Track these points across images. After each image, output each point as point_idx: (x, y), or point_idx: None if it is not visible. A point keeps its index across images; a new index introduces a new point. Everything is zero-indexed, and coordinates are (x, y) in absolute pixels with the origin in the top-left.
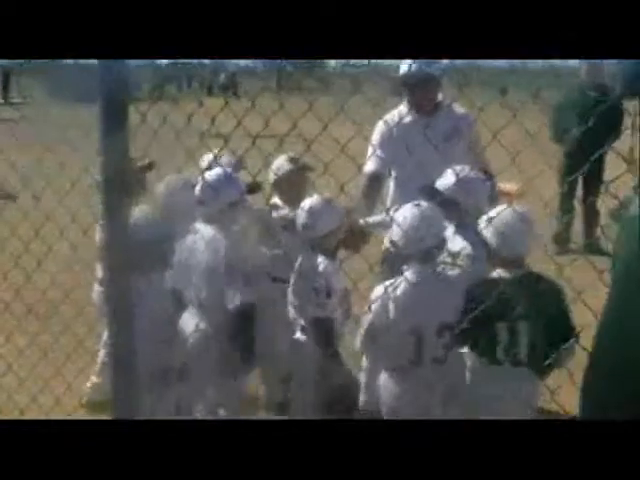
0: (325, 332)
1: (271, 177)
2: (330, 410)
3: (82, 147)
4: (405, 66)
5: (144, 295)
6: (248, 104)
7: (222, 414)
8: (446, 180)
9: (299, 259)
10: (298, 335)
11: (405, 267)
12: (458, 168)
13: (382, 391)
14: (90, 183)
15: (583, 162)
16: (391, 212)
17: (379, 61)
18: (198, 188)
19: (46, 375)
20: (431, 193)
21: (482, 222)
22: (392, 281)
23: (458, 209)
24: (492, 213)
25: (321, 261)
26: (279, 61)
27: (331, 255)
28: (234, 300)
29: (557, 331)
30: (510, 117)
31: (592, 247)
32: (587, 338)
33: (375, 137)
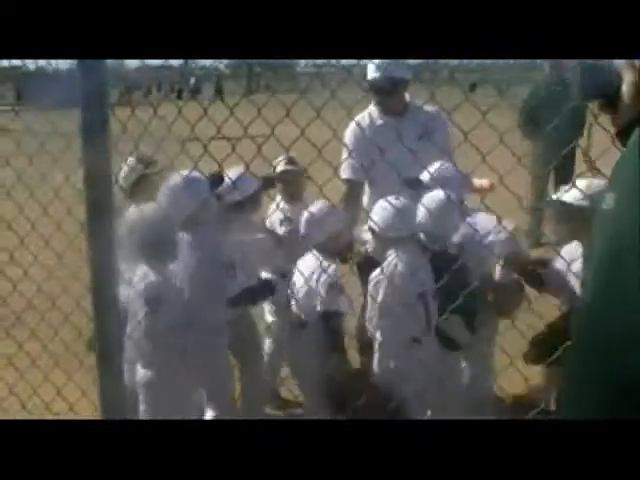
0: (336, 326)
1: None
2: (340, 407)
3: (62, 156)
4: (373, 71)
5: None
6: (220, 107)
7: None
8: (429, 173)
9: (305, 259)
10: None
11: (391, 251)
12: (439, 163)
13: (400, 363)
14: (74, 191)
15: (552, 157)
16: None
17: (350, 62)
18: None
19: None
20: (415, 184)
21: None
22: (387, 262)
23: None
24: (424, 199)
25: (327, 261)
26: (247, 63)
27: (332, 255)
28: None
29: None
30: (479, 116)
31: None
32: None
33: (348, 141)
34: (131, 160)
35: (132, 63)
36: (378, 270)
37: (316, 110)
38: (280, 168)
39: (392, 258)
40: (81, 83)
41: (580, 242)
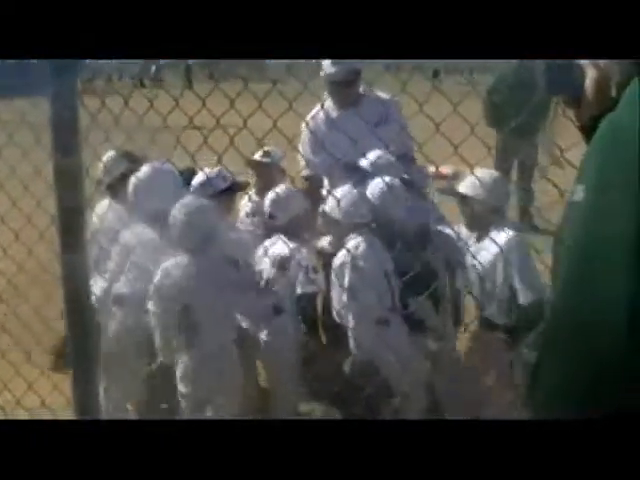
0: (312, 307)
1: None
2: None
3: (32, 149)
4: (329, 65)
5: None
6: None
7: None
8: (366, 160)
9: (270, 244)
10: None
11: (353, 235)
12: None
13: (374, 345)
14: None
15: (516, 148)
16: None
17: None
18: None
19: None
20: (353, 169)
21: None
22: (349, 245)
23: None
24: (369, 188)
25: (297, 243)
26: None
27: (299, 238)
28: None
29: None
30: (445, 103)
31: (527, 228)
32: None
33: (305, 138)
34: (113, 155)
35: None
36: (341, 253)
37: (288, 101)
38: (252, 158)
39: (354, 242)
40: (50, 74)
41: (473, 230)
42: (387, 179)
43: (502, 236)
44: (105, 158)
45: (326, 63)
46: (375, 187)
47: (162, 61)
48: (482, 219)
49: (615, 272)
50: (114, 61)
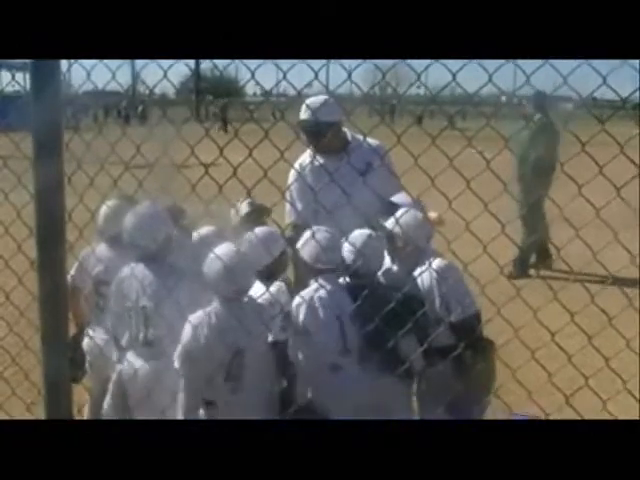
0: (284, 354)
1: (233, 219)
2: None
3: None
4: (303, 112)
5: None
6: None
7: None
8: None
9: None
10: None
11: (316, 278)
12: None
13: (321, 391)
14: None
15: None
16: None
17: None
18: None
19: None
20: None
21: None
22: (309, 288)
23: None
24: (351, 236)
25: (275, 287)
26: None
27: (273, 281)
28: None
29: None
30: (429, 143)
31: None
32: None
33: (291, 186)
34: (115, 204)
35: (80, 87)
36: (299, 295)
37: (265, 133)
38: (245, 211)
39: (314, 285)
40: (34, 106)
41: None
42: (368, 231)
43: (435, 264)
44: (106, 207)
45: (302, 110)
46: (357, 237)
47: (148, 99)
48: (409, 254)
49: None
50: (101, 98)
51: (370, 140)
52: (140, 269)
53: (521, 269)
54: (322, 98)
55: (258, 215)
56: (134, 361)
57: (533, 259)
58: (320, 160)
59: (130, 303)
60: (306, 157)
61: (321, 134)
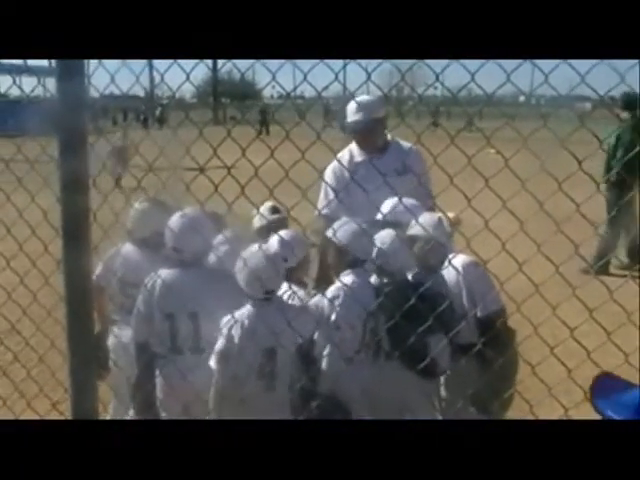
0: (311, 351)
1: (255, 224)
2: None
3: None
4: (353, 113)
5: None
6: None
7: None
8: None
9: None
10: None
11: (346, 272)
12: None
13: (346, 381)
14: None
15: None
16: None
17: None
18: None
19: None
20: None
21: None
22: (341, 284)
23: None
24: (376, 236)
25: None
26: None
27: (300, 283)
28: None
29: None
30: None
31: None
32: None
33: (329, 179)
34: (146, 206)
35: (102, 90)
36: (330, 290)
37: (286, 134)
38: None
39: (346, 279)
40: (59, 109)
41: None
42: (393, 232)
43: (456, 261)
44: (136, 208)
45: (350, 111)
46: (386, 235)
47: (166, 103)
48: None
49: None
50: (120, 102)
51: (405, 142)
52: (179, 274)
53: (602, 267)
54: (367, 97)
55: (280, 223)
56: (183, 367)
57: (624, 259)
58: (360, 157)
59: (171, 309)
60: (345, 153)
61: (371, 131)
